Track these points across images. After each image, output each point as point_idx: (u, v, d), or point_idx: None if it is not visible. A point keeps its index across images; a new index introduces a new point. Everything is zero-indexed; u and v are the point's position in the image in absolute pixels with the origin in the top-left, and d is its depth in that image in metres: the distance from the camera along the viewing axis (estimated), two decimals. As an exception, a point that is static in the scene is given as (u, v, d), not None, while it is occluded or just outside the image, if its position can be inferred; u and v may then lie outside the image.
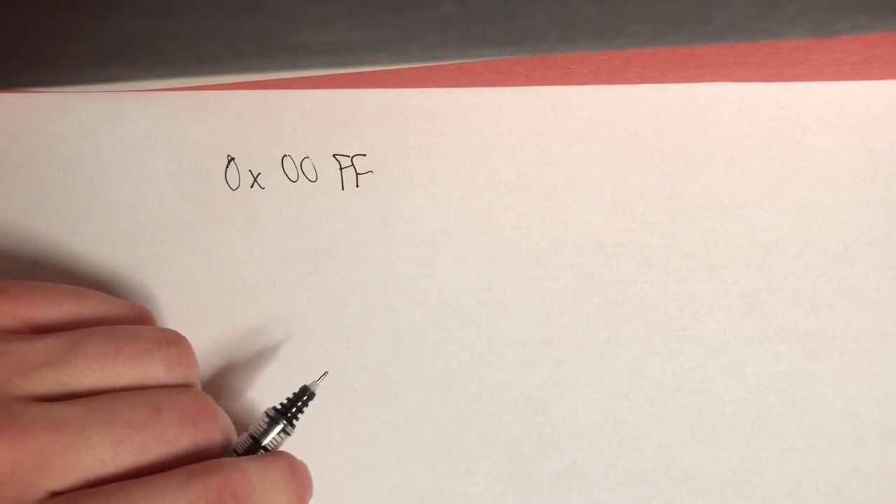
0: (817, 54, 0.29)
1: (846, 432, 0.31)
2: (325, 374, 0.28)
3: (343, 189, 0.31)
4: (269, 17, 0.19)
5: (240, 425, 0.28)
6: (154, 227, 0.30)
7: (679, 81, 0.32)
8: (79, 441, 0.23)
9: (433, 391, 0.30)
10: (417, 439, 0.30)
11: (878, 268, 0.31)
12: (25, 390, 0.23)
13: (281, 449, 0.26)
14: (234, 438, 0.26)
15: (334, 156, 0.31)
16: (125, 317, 0.27)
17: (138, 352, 0.25)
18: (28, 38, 0.21)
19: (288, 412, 0.27)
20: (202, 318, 0.30)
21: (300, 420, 0.27)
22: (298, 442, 0.27)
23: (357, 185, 0.31)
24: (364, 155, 0.31)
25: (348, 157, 0.31)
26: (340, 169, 0.31)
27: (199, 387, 0.27)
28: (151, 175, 0.31)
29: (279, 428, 0.26)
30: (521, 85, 0.32)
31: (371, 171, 0.31)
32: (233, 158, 0.31)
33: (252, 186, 0.31)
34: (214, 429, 0.25)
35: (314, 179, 0.31)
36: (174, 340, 0.26)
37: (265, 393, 0.30)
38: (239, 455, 0.26)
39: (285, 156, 0.31)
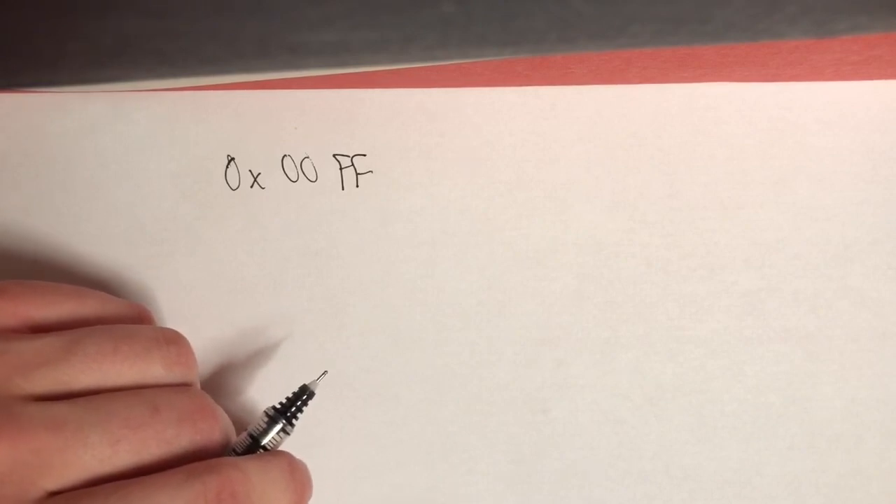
0: (817, 54, 0.29)
1: (846, 432, 0.31)
2: (325, 373, 0.28)
3: (343, 189, 0.31)
4: (269, 17, 0.19)
5: (239, 425, 0.28)
6: (154, 227, 0.30)
7: (679, 81, 0.32)
8: (78, 440, 0.23)
9: (433, 391, 0.30)
10: (417, 439, 0.30)
11: (878, 268, 0.31)
12: (25, 389, 0.23)
13: (280, 448, 0.26)
14: (234, 438, 0.26)
15: (334, 156, 0.31)
16: (125, 316, 0.27)
17: (137, 351, 0.25)
18: (28, 38, 0.21)
19: (287, 411, 0.27)
20: (202, 318, 0.30)
21: (300, 420, 0.27)
22: (298, 441, 0.27)
23: (357, 185, 0.31)
24: (364, 155, 0.31)
25: (348, 157, 0.31)
26: (340, 169, 0.31)
27: (199, 386, 0.27)
28: (151, 175, 0.31)
29: (278, 427, 0.26)
30: (521, 85, 0.32)
31: (371, 171, 0.31)
32: (233, 158, 0.31)
33: (252, 186, 0.31)
34: (213, 428, 0.25)
35: (314, 179, 0.31)
36: (173, 340, 0.26)
37: (265, 392, 0.30)
38: (238, 454, 0.26)
39: (285, 156, 0.31)
